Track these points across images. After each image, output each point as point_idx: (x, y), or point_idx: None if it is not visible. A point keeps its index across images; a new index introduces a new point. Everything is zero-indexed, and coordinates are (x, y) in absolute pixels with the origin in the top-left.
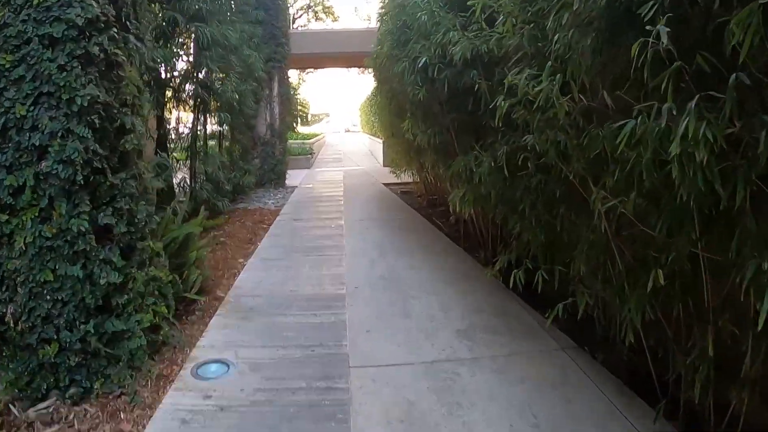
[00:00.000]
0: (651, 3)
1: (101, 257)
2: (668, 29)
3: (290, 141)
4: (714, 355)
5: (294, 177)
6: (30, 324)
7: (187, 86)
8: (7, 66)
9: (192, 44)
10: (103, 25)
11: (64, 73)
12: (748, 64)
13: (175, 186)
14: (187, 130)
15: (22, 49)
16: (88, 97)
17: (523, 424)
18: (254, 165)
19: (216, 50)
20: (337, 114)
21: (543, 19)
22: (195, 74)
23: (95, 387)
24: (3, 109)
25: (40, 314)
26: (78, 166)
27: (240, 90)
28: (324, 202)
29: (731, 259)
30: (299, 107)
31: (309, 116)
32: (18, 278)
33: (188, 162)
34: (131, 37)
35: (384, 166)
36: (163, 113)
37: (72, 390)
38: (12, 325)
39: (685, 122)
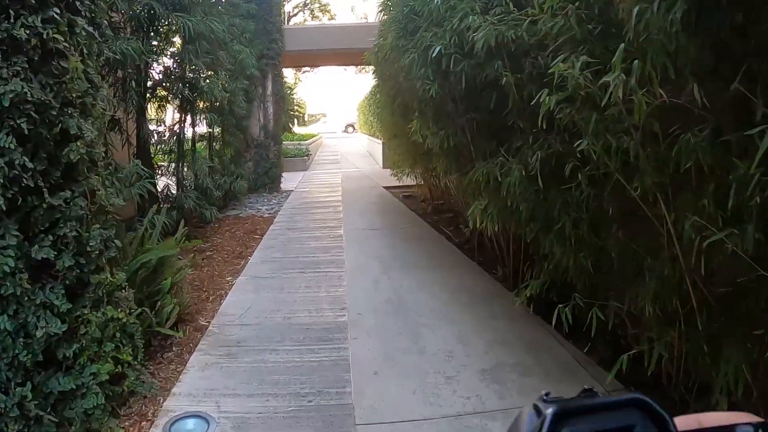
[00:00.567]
0: None
1: (38, 301)
2: None
3: (286, 142)
4: None
5: (290, 180)
6: None
7: (170, 84)
8: None
9: (178, 39)
10: (35, 1)
11: None
12: None
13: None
14: (174, 133)
15: None
16: (11, 95)
17: None
18: (247, 169)
19: (201, 44)
20: (335, 114)
21: None
22: (178, 71)
23: None
24: None
25: None
26: None
27: (230, 88)
28: (321, 209)
29: None
30: (296, 107)
31: (306, 116)
32: None
33: (176, 167)
34: (80, 21)
35: (384, 168)
36: (144, 114)
37: None
38: None
39: None
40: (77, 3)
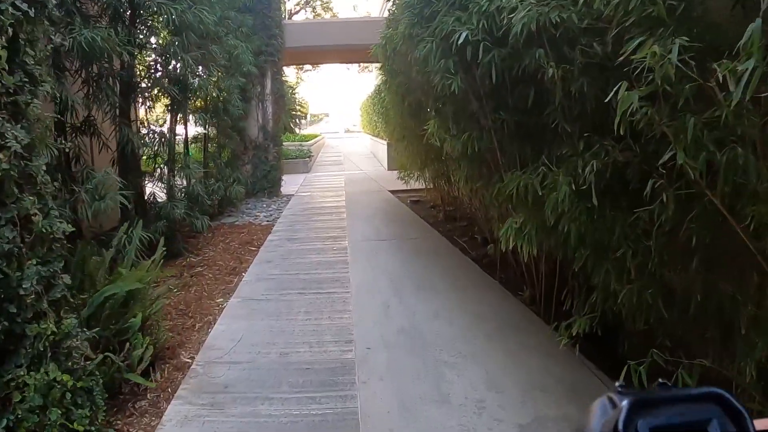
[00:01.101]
0: None
1: None
2: None
3: (287, 143)
4: None
5: (290, 183)
6: None
7: (154, 81)
8: None
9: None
10: None
11: None
12: None
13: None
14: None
15: None
16: None
17: None
18: (245, 172)
19: (189, 37)
20: (337, 114)
21: None
22: (162, 66)
23: None
24: None
25: None
26: None
27: (224, 86)
28: (324, 215)
29: None
30: (298, 107)
31: (309, 116)
32: None
33: (161, 173)
34: None
35: (389, 170)
36: (127, 116)
37: None
38: None
39: None
40: None
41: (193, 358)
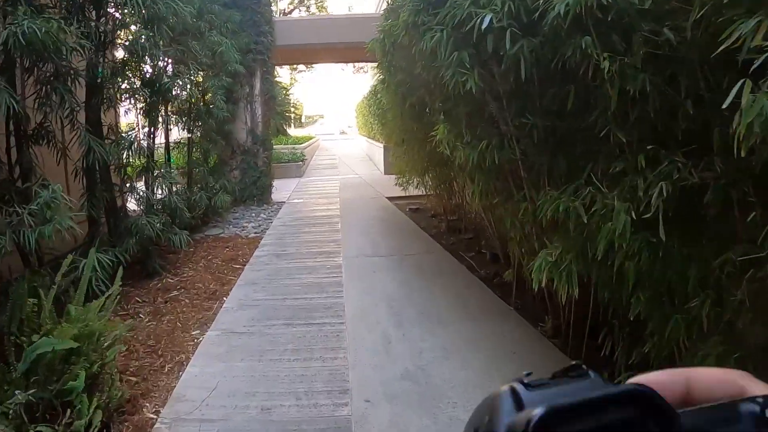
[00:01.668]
0: None
1: None
2: None
3: (279, 146)
4: None
5: (282, 188)
6: None
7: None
8: None
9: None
10: None
11: None
12: None
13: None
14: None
15: None
16: None
17: None
18: (233, 178)
19: (161, 30)
20: (332, 115)
21: None
22: (129, 64)
23: None
24: None
25: None
26: None
27: (207, 86)
28: (316, 226)
29: None
30: (292, 108)
31: (303, 118)
32: None
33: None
34: None
35: (385, 174)
36: (96, 121)
37: None
38: None
39: None
40: None
41: (158, 412)
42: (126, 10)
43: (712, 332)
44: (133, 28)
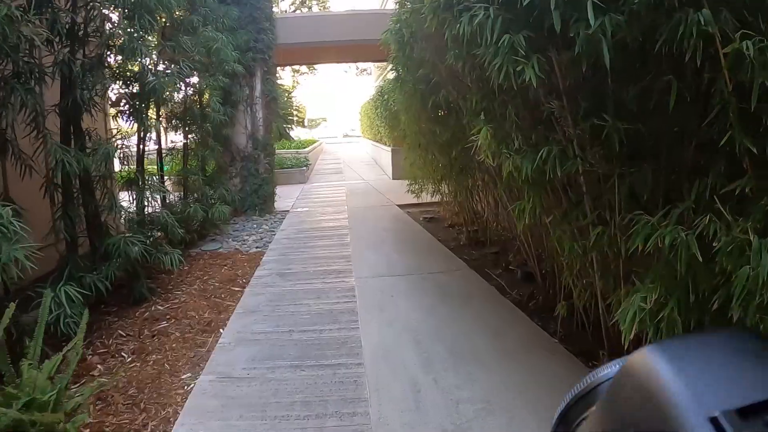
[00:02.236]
0: None
1: None
2: None
3: (282, 151)
4: None
5: (285, 197)
6: None
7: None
8: None
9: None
10: None
11: None
12: None
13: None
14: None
15: None
16: None
17: None
18: (232, 187)
19: (143, 20)
20: (336, 118)
21: None
22: (109, 60)
23: None
24: None
25: None
26: None
27: (201, 87)
28: (324, 239)
29: None
30: (295, 111)
31: (306, 121)
32: None
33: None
34: None
35: (394, 179)
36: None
37: None
38: None
39: None
40: None
41: None
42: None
43: None
44: (114, 18)
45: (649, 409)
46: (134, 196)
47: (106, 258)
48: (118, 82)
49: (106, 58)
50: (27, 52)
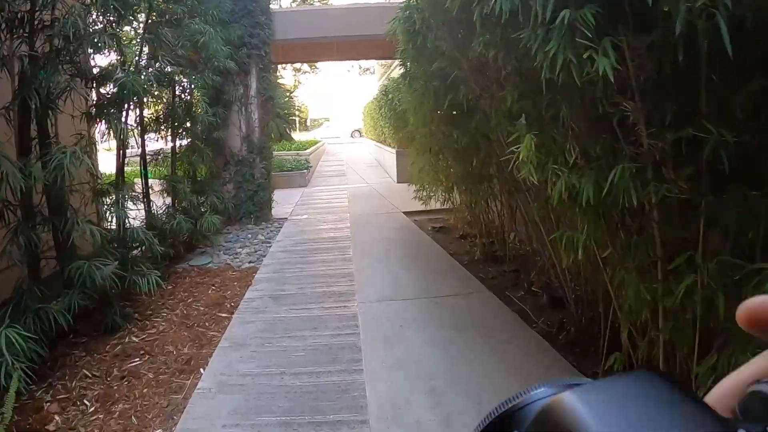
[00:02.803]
0: None
1: None
2: None
3: (282, 152)
4: None
5: (284, 202)
6: None
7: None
8: None
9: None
10: None
11: None
12: None
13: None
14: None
15: None
16: None
17: None
18: (225, 194)
19: (108, 5)
20: (338, 118)
21: None
22: (67, 53)
23: None
24: None
25: None
26: None
27: (185, 85)
28: (323, 253)
29: None
30: (296, 112)
31: (308, 121)
32: None
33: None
34: None
35: (398, 182)
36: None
37: None
38: None
39: None
40: None
41: None
42: None
43: None
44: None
45: None
46: (104, 210)
47: (70, 285)
48: (82, 80)
49: (66, 52)
50: None
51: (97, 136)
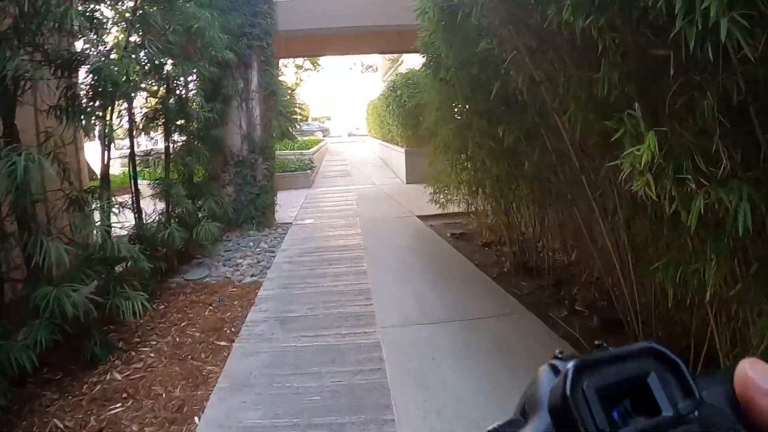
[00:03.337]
0: None
1: None
2: None
3: (285, 152)
4: None
5: (288, 205)
6: None
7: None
8: None
9: None
10: None
11: None
12: None
13: None
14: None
15: None
16: None
17: None
18: (225, 197)
19: None
20: (340, 117)
21: None
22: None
23: None
24: None
25: None
26: None
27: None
28: (334, 264)
29: None
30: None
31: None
32: None
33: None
34: None
35: (408, 183)
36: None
37: None
38: None
39: None
40: None
41: None
42: None
43: None
44: None
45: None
46: (79, 223)
47: (36, 315)
48: (50, 67)
49: (26, 31)
50: None
51: (79, 135)
